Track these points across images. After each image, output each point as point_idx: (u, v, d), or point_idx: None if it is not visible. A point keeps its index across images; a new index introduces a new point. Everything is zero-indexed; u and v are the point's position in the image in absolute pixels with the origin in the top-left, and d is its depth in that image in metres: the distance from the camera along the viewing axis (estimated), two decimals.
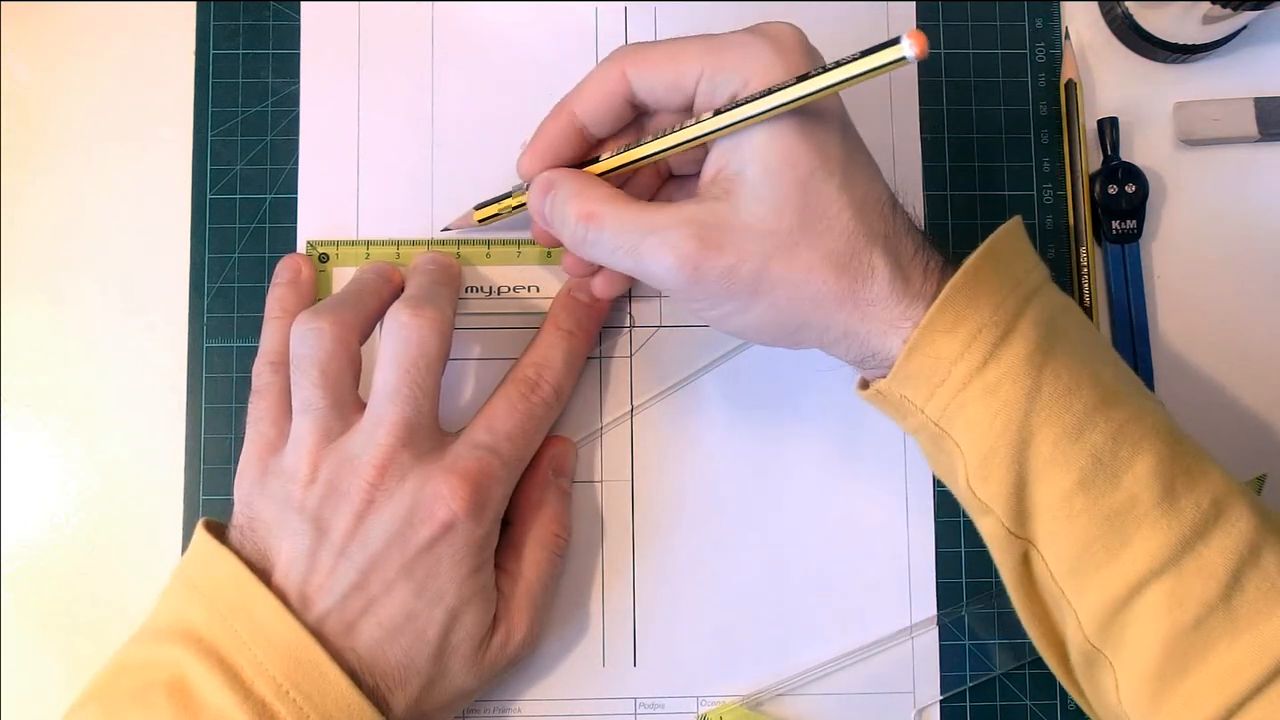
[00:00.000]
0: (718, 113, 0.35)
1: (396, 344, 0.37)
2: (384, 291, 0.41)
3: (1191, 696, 0.33)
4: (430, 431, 0.38)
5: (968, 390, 0.34)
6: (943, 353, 0.34)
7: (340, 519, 0.37)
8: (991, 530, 0.36)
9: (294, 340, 0.38)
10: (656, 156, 0.37)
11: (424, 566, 0.37)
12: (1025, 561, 0.36)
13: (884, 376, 0.36)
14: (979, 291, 0.34)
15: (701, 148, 0.36)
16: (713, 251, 0.34)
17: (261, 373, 0.40)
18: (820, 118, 0.35)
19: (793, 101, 0.33)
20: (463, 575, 0.37)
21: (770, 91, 0.34)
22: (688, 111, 0.37)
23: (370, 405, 0.38)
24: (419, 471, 0.37)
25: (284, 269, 0.43)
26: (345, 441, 0.37)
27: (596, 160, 0.38)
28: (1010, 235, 0.36)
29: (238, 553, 0.37)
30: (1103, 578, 0.34)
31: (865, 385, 0.38)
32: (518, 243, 0.44)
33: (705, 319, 0.37)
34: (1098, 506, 0.34)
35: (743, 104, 0.34)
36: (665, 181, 0.41)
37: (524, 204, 0.40)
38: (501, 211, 0.42)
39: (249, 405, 0.40)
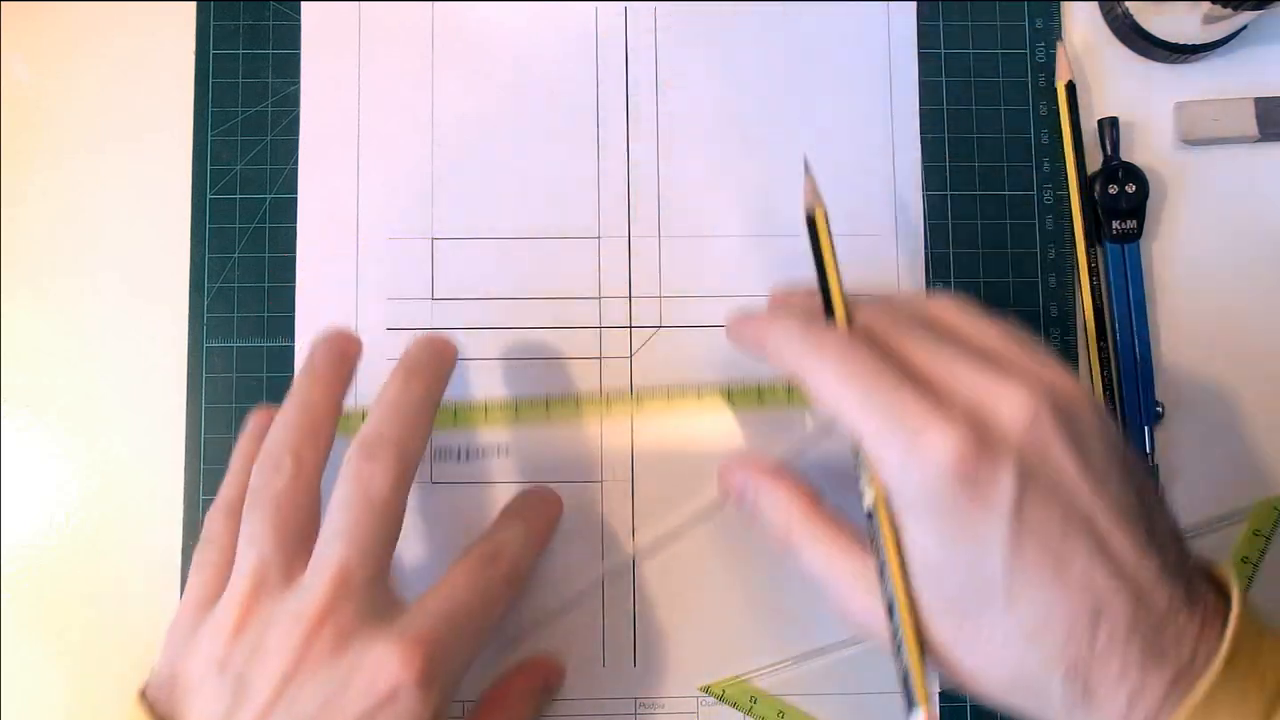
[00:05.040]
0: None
1: (348, 489, 0.34)
2: (336, 382, 0.37)
3: None
4: (379, 590, 0.34)
5: None
6: None
7: (264, 680, 0.32)
8: None
9: (255, 471, 0.35)
10: None
11: None
12: None
13: None
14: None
15: None
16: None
17: (214, 520, 0.37)
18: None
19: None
20: None
21: None
22: None
23: (315, 553, 0.34)
24: (363, 633, 0.33)
25: (254, 420, 0.40)
26: (283, 592, 0.34)
27: None
28: (1250, 625, 0.30)
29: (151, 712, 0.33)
30: None
31: None
32: (515, 401, 0.44)
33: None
34: None
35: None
36: None
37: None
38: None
39: (195, 552, 0.37)
